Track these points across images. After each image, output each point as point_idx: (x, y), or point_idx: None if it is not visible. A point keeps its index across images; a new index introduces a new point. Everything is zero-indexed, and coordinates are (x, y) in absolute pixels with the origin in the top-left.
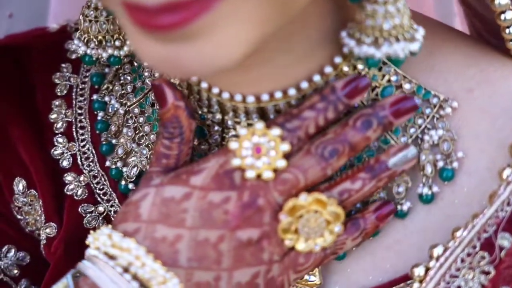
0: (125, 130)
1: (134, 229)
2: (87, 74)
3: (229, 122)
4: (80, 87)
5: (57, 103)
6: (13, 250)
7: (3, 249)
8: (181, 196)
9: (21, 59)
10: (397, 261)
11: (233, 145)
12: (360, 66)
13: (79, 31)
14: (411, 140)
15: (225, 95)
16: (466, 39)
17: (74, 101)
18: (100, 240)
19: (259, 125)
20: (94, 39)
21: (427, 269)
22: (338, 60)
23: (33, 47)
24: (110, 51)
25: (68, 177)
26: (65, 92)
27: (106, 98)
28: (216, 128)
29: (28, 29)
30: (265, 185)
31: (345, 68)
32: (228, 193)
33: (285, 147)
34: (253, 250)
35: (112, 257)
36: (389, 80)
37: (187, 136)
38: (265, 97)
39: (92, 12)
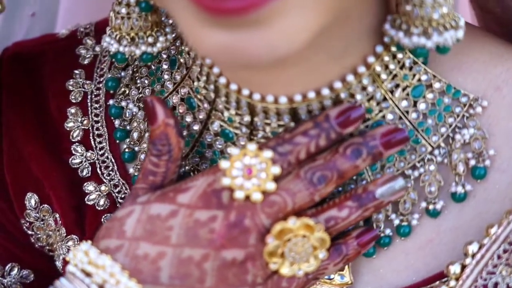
0: (147, 135)
1: (116, 246)
2: (101, 80)
3: (259, 124)
4: (95, 93)
5: (72, 111)
6: (16, 268)
7: (7, 267)
8: (167, 214)
9: (32, 67)
10: (430, 260)
11: (224, 164)
12: (399, 55)
13: (109, 29)
14: (442, 139)
15: (256, 96)
16: (490, 38)
17: (89, 108)
18: (77, 256)
19: (252, 146)
20: (127, 36)
21: (463, 267)
22: (379, 49)
23: (44, 54)
24: (143, 48)
25: (89, 187)
26: (79, 99)
27: (123, 103)
28: (244, 130)
29: (49, 28)
30: (252, 207)
31: (386, 58)
32: (215, 212)
33: (276, 170)
34: (236, 271)
35: (88, 274)
36: (419, 80)
37: (176, 154)
38: (297, 97)
39: (124, 9)
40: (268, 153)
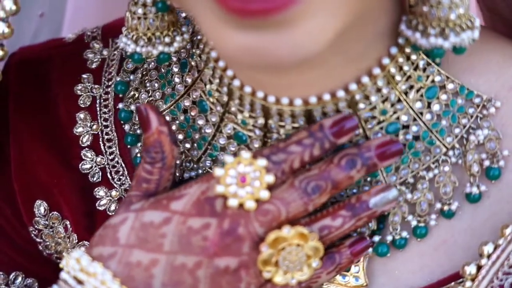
0: None
1: (109, 253)
2: (110, 84)
3: (273, 126)
4: (104, 97)
5: (81, 115)
6: (20, 277)
7: (11, 276)
8: (160, 221)
9: (39, 72)
10: (445, 261)
11: (218, 172)
12: (413, 57)
13: (125, 29)
14: (456, 140)
15: (271, 99)
16: (501, 39)
17: (98, 113)
18: (69, 264)
19: (246, 154)
20: (144, 37)
21: (479, 267)
22: (394, 50)
23: (51, 59)
24: (160, 48)
25: (100, 192)
26: (88, 103)
27: (132, 107)
28: (258, 132)
29: (57, 29)
30: (246, 215)
31: (400, 59)
32: (208, 220)
33: (270, 178)
34: (230, 279)
35: (80, 282)
36: (433, 81)
37: (169, 162)
38: (313, 99)
39: (140, 10)
40: (262, 162)
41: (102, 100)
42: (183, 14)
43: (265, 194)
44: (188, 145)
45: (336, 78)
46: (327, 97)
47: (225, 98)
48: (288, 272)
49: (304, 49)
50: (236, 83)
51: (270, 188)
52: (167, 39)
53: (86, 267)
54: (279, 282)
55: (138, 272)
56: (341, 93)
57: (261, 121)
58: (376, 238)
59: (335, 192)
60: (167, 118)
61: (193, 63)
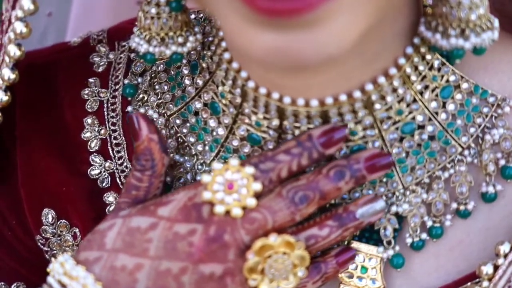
0: (168, 141)
1: (95, 257)
2: (117, 87)
3: (288, 127)
4: (111, 101)
5: (89, 120)
6: None
7: (12, 287)
8: (147, 226)
9: (46, 77)
10: (461, 262)
11: (206, 178)
12: (428, 57)
13: (138, 29)
14: (472, 140)
15: (287, 100)
16: (511, 39)
17: (106, 117)
18: (55, 268)
19: (234, 161)
20: (157, 37)
21: (496, 267)
22: (409, 50)
23: (58, 63)
24: (173, 48)
25: (110, 198)
26: (95, 107)
27: (141, 110)
28: (272, 134)
29: (63, 29)
30: (232, 222)
31: (415, 59)
32: (194, 226)
33: (257, 186)
34: (215, 286)
35: (64, 286)
36: (447, 81)
37: (159, 170)
38: (329, 100)
39: (153, 9)
40: (249, 169)
41: (109, 104)
42: (192, 16)
43: (252, 202)
44: (200, 148)
45: (353, 78)
46: (343, 97)
47: (238, 100)
48: (273, 281)
49: (329, 49)
50: (251, 84)
51: (258, 196)
52: (180, 39)
53: (70, 271)
54: None
55: (122, 276)
56: (357, 94)
57: (275, 122)
58: (391, 252)
59: (323, 203)
60: (177, 121)
61: (204, 65)
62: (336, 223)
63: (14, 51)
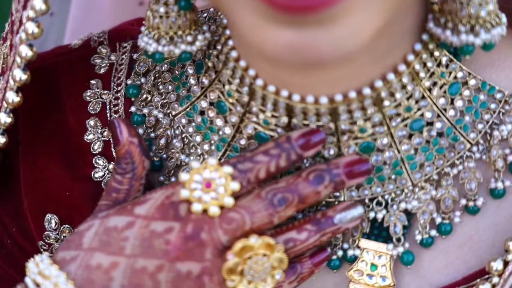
0: (174, 141)
1: (72, 256)
2: (119, 89)
3: (297, 125)
4: (113, 103)
5: (91, 122)
6: None
7: None
8: (123, 225)
9: (47, 80)
10: (470, 258)
11: (183, 176)
12: (436, 53)
13: (146, 28)
14: (480, 136)
15: (296, 97)
16: None
17: (109, 119)
18: (30, 268)
19: (212, 160)
20: (165, 36)
21: (506, 263)
22: (418, 47)
23: (59, 66)
24: (182, 47)
25: None
26: (98, 109)
27: (145, 110)
28: (280, 131)
29: (62, 29)
30: (210, 221)
31: (424, 56)
32: (171, 224)
33: (235, 185)
34: (192, 285)
35: (38, 285)
36: (455, 77)
37: (139, 172)
38: (338, 97)
39: (162, 8)
40: (228, 169)
41: (112, 106)
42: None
43: (229, 201)
44: (206, 147)
45: (363, 75)
46: (352, 94)
47: (245, 98)
48: (252, 282)
49: (346, 46)
50: (259, 82)
51: (236, 197)
52: (189, 38)
53: (43, 270)
54: None
55: (97, 274)
56: (367, 91)
57: (284, 120)
58: (401, 249)
59: (301, 207)
60: (183, 120)
61: (210, 64)
62: (315, 228)
63: (26, 51)
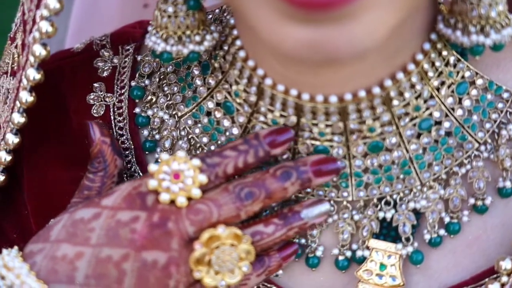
0: (180, 142)
1: (39, 249)
2: (122, 91)
3: (305, 124)
4: (117, 105)
5: None
6: None
7: None
8: (90, 217)
9: (50, 84)
10: (479, 258)
11: (152, 167)
12: (444, 53)
13: (154, 27)
14: (488, 135)
15: (305, 97)
16: None
17: (113, 122)
18: None
19: (181, 153)
20: (174, 35)
21: None
22: (427, 46)
23: (61, 70)
24: (191, 46)
25: None
26: (101, 112)
27: (149, 112)
28: None
29: (68, 31)
30: (177, 211)
31: (432, 55)
32: (137, 213)
33: (203, 177)
34: (159, 275)
35: (3, 278)
36: (463, 77)
37: (111, 170)
38: (348, 96)
39: (170, 8)
40: (196, 161)
41: (115, 109)
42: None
43: (196, 192)
44: (213, 148)
45: (372, 75)
46: (362, 93)
47: (253, 98)
48: (219, 273)
49: (362, 43)
50: (268, 82)
51: (204, 190)
52: (197, 38)
53: (8, 263)
54: (209, 284)
55: (62, 265)
56: (376, 90)
57: (293, 119)
58: (410, 248)
59: (268, 202)
60: (189, 121)
61: (216, 65)
62: (282, 222)
63: (39, 51)
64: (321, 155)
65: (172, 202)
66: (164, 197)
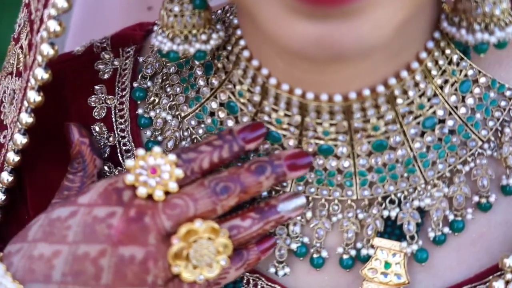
0: (183, 143)
1: (17, 249)
2: (124, 93)
3: (310, 123)
4: (118, 108)
5: (97, 128)
6: None
7: None
8: (67, 215)
9: (51, 88)
10: (483, 255)
11: (129, 163)
12: (448, 51)
13: (160, 27)
14: (491, 133)
15: (310, 96)
16: None
17: (114, 124)
18: None
19: (157, 149)
20: (180, 35)
21: None
22: (430, 45)
23: (62, 73)
24: (197, 45)
25: None
26: (103, 114)
27: (152, 113)
28: (293, 130)
29: (69, 33)
30: (153, 206)
31: (436, 54)
32: (114, 208)
33: (179, 172)
34: (137, 270)
35: None
36: (466, 75)
37: (90, 170)
38: (352, 95)
39: (177, 7)
40: (172, 156)
41: (117, 111)
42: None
43: (174, 186)
44: None
45: (377, 73)
46: (367, 92)
47: (257, 98)
48: (197, 268)
49: (369, 40)
50: (273, 81)
51: (180, 186)
52: (203, 37)
53: None
54: (187, 278)
55: (38, 264)
56: (381, 88)
57: (297, 118)
58: (415, 246)
59: (244, 197)
60: (192, 122)
61: (219, 65)
62: (258, 216)
63: (47, 50)
64: (295, 150)
65: (149, 197)
66: (142, 191)
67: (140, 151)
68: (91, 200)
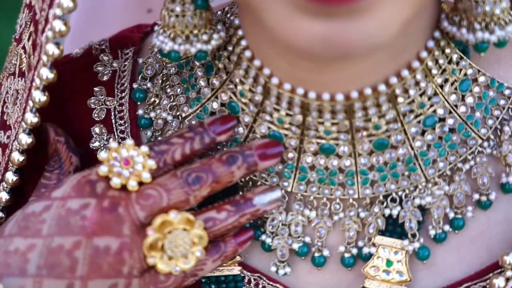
0: None
1: None
2: (123, 95)
3: (311, 123)
4: (118, 109)
5: (97, 130)
6: None
7: None
8: (41, 209)
9: (52, 90)
10: (483, 253)
11: (102, 155)
12: (447, 50)
13: (161, 27)
14: (491, 132)
15: (312, 95)
16: None
17: (114, 125)
18: None
19: (130, 141)
20: (181, 35)
21: None
22: (431, 44)
23: (61, 76)
24: (198, 45)
25: None
26: (103, 116)
27: (152, 114)
28: (294, 130)
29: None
30: (127, 197)
31: (436, 53)
32: (87, 200)
33: (152, 163)
34: (112, 261)
35: None
36: (465, 74)
37: (66, 167)
38: (354, 94)
39: (178, 7)
40: (144, 148)
41: (116, 112)
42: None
43: (147, 176)
44: (218, 147)
45: (378, 72)
46: (368, 91)
47: (258, 98)
48: (172, 259)
49: (375, 38)
50: (275, 81)
51: (154, 177)
52: (204, 37)
53: None
54: (163, 269)
55: (14, 258)
56: (382, 87)
57: (298, 118)
58: (416, 244)
59: (216, 187)
60: (193, 122)
61: (220, 66)
62: (234, 208)
63: (52, 50)
64: (266, 140)
65: (123, 187)
66: (115, 181)
67: (113, 144)
68: (64, 193)
